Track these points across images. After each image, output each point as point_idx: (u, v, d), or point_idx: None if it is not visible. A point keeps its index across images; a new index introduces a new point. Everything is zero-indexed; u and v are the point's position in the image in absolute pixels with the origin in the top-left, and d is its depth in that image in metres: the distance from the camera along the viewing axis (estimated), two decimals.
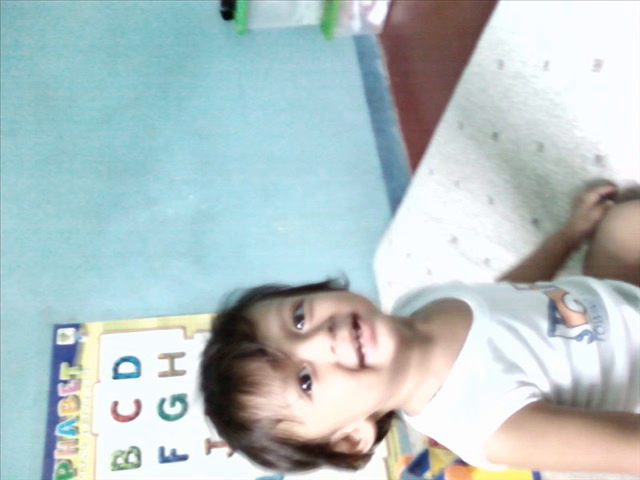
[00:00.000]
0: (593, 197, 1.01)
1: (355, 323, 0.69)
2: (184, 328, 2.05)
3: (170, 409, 1.93)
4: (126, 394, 1.94)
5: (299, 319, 0.70)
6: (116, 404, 1.92)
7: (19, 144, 2.28)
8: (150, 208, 2.24)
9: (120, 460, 1.85)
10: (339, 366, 0.68)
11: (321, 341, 0.68)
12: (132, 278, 2.11)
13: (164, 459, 1.87)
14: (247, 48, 2.62)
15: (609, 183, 1.02)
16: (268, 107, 2.49)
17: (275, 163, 2.37)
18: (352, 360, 0.68)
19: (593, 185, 1.04)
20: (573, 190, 1.09)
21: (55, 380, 1.93)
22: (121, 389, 1.95)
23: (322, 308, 0.70)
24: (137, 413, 1.92)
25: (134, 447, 1.87)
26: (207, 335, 0.75)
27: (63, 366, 1.95)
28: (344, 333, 0.68)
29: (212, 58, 2.57)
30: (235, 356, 0.68)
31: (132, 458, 1.86)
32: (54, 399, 1.91)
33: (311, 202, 2.31)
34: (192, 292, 2.09)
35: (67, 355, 1.97)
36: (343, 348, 0.67)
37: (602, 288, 0.80)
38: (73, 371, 1.95)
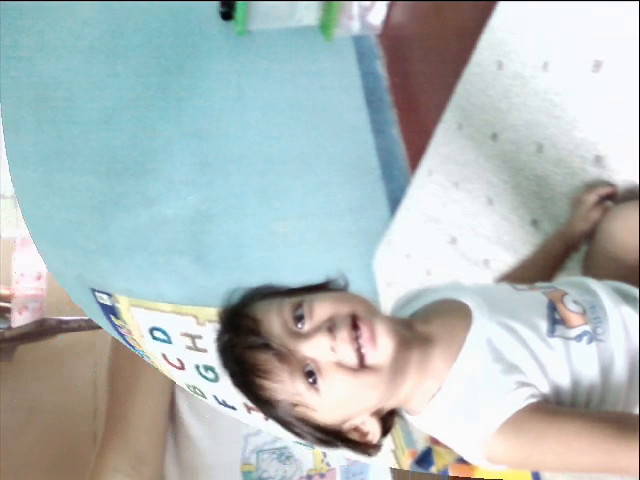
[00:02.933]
0: (592, 198, 1.01)
1: (354, 324, 0.69)
2: (196, 317, 2.06)
3: (205, 372, 1.95)
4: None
5: (299, 319, 0.70)
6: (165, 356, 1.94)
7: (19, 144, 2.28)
8: (149, 209, 2.24)
9: None
10: (340, 365, 0.68)
11: (321, 341, 0.68)
12: (140, 269, 2.10)
13: None
14: (246, 49, 2.61)
15: (608, 184, 1.02)
16: (267, 108, 2.48)
17: (275, 164, 2.36)
18: (352, 360, 0.68)
19: (592, 186, 1.04)
20: (572, 191, 1.09)
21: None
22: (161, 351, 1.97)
23: (321, 309, 0.70)
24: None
25: None
26: (217, 326, 0.77)
27: (112, 318, 1.97)
28: (343, 334, 0.68)
29: (211, 59, 2.57)
30: (244, 347, 0.71)
31: None
32: None
33: (311, 203, 2.31)
34: (194, 290, 2.09)
35: (112, 310, 1.99)
36: (343, 349, 0.68)
37: (601, 289, 0.79)
38: (121, 323, 1.97)
